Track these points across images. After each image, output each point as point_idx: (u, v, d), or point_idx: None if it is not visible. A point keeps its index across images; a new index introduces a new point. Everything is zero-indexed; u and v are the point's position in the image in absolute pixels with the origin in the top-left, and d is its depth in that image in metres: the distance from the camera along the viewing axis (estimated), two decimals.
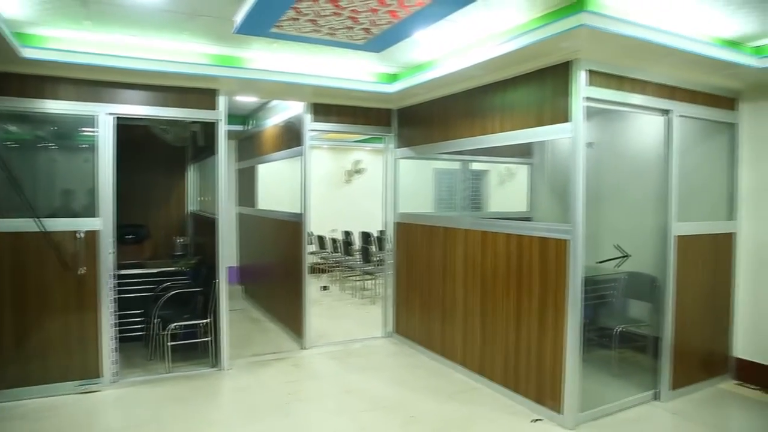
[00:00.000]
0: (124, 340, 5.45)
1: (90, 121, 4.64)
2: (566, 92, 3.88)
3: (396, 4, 3.30)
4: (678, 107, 4.43)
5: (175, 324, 5.12)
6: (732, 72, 4.45)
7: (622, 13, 3.47)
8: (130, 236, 6.81)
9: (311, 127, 5.79)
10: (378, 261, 8.52)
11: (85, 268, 4.57)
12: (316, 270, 10.45)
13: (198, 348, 5.42)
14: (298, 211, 5.92)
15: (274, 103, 6.82)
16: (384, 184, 6.37)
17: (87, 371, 4.65)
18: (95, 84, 4.61)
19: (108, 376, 4.71)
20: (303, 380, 5.01)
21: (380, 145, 6.53)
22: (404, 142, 6.09)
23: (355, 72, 5.24)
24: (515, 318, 4.43)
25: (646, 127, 5.16)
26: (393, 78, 5.37)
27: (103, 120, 4.65)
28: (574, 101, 3.82)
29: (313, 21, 3.58)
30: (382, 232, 6.55)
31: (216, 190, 5.21)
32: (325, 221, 10.65)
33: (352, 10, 3.37)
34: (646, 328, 5.00)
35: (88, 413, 4.22)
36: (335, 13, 3.44)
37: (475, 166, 7.58)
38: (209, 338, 5.27)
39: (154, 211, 7.47)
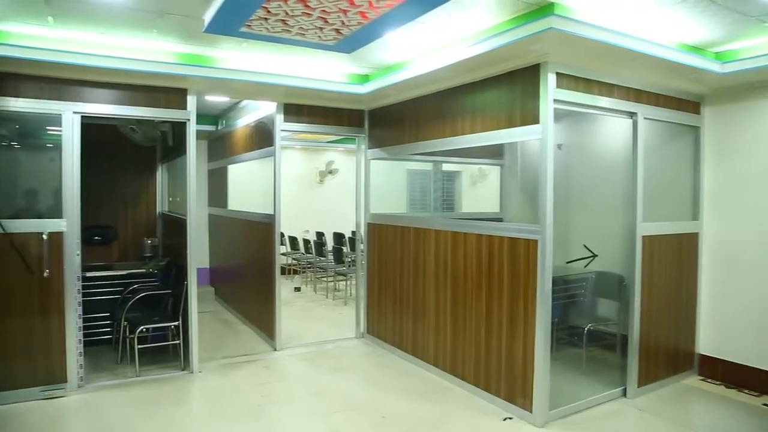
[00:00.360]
0: (91, 343, 5.36)
1: (55, 119, 4.53)
2: (535, 94, 3.93)
3: (366, 6, 3.30)
4: (644, 110, 4.53)
5: (143, 326, 5.03)
6: (696, 76, 4.56)
7: (591, 17, 3.53)
8: (98, 238, 6.69)
9: (283, 127, 5.75)
10: (350, 262, 8.52)
11: (49, 270, 4.46)
12: (288, 271, 10.40)
13: (168, 351, 5.34)
14: (270, 212, 5.87)
15: (246, 102, 6.75)
16: (356, 185, 6.36)
17: (52, 376, 4.53)
18: (60, 82, 4.50)
19: (74, 381, 4.60)
20: (274, 382, 4.97)
21: (353, 146, 6.54)
22: (376, 143, 6.10)
23: (327, 72, 5.22)
24: (486, 318, 4.47)
25: (613, 129, 5.26)
26: (365, 79, 5.37)
27: (68, 119, 4.54)
28: (543, 103, 3.87)
29: (283, 21, 3.56)
30: (354, 233, 6.55)
31: (186, 190, 5.14)
32: (297, 222, 10.61)
33: (322, 11, 3.36)
34: (614, 326, 5.10)
35: (52, 420, 4.11)
36: (305, 14, 3.42)
37: (448, 167, 7.63)
38: (179, 341, 5.19)
39: (123, 212, 7.34)
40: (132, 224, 7.38)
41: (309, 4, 3.29)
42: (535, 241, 3.96)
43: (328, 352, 5.87)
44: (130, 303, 5.23)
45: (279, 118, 5.71)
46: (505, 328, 4.28)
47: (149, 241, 6.99)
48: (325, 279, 9.53)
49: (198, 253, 5.29)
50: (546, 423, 4.02)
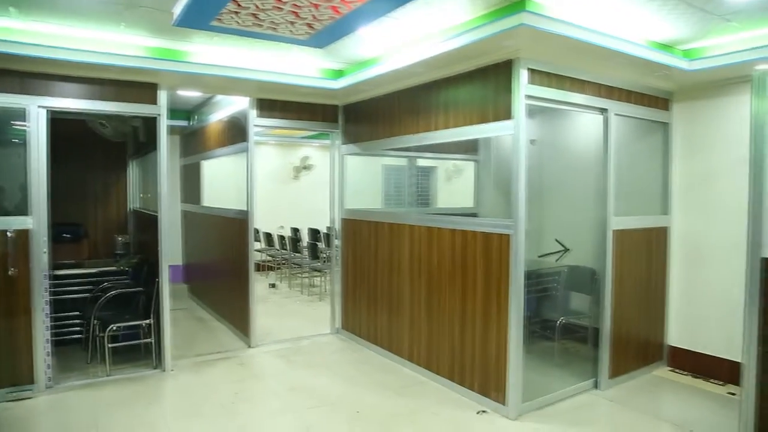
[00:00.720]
0: (61, 343, 5.25)
1: (20, 114, 4.41)
2: (508, 90, 3.95)
3: (337, 0, 3.28)
4: (615, 106, 4.59)
5: (114, 325, 4.95)
6: (665, 73, 4.63)
7: (562, 14, 3.56)
8: (67, 235, 6.54)
9: (256, 122, 5.69)
10: (326, 258, 8.49)
11: (15, 269, 4.35)
12: (263, 267, 10.33)
13: (140, 349, 5.26)
14: (244, 208, 5.82)
15: (219, 98, 6.67)
16: (331, 181, 6.34)
17: (18, 378, 4.43)
18: (25, 75, 4.38)
19: (42, 382, 4.51)
20: (248, 379, 4.93)
21: (328, 142, 6.50)
22: (350, 138, 6.08)
23: (301, 67, 5.18)
24: (460, 312, 4.49)
25: (586, 125, 5.33)
26: (338, 74, 5.34)
27: (34, 113, 4.43)
28: (516, 99, 3.90)
29: (254, 15, 3.51)
30: (330, 229, 6.53)
31: (157, 186, 5.06)
32: (272, 218, 10.54)
33: (294, 5, 3.33)
34: (587, 319, 5.17)
35: (19, 421, 4.02)
36: (276, 7, 3.39)
37: (424, 162, 7.65)
38: (151, 339, 5.12)
39: (93, 209, 7.20)
40: (103, 221, 7.24)
41: None
42: (508, 236, 3.99)
43: (303, 349, 5.84)
44: (101, 301, 5.14)
45: (252, 114, 5.66)
46: (479, 322, 4.31)
47: (120, 239, 6.87)
48: (300, 275, 9.48)
49: (170, 251, 5.23)
50: (519, 415, 4.07)
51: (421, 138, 4.90)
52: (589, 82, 4.39)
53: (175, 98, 6.37)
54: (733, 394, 4.48)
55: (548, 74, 4.09)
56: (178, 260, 8.83)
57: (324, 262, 8.51)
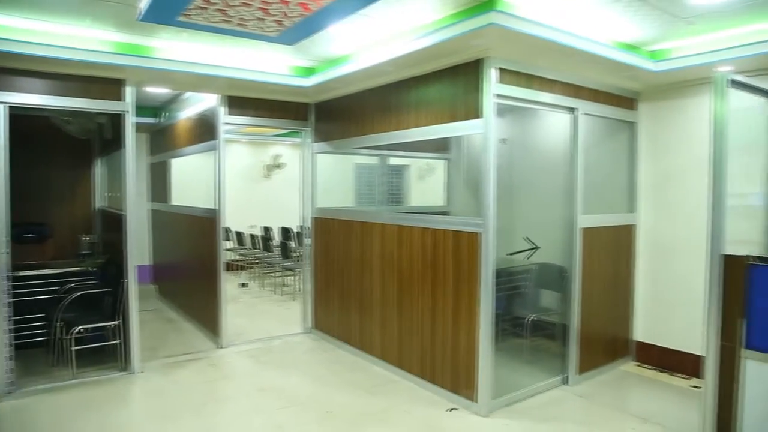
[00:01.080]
0: (24, 347, 5.09)
1: None
2: (478, 89, 3.98)
3: None
4: (583, 105, 4.65)
5: (80, 327, 4.83)
6: (631, 74, 4.72)
7: (531, 14, 3.59)
8: (30, 235, 6.38)
9: (226, 120, 5.62)
10: (298, 256, 8.44)
11: None
12: (234, 267, 10.21)
13: (107, 352, 5.14)
14: (213, 207, 5.74)
15: (189, 94, 6.57)
16: (302, 179, 6.30)
17: None
18: None
19: (3, 387, 4.38)
20: (219, 380, 4.88)
21: (300, 140, 6.45)
22: (322, 136, 6.05)
23: (271, 65, 5.13)
24: (431, 310, 4.51)
25: (555, 124, 5.39)
26: (309, 72, 5.31)
27: None
28: (485, 98, 3.92)
29: (222, 11, 3.47)
30: (302, 227, 6.49)
31: (124, 185, 4.96)
32: (244, 217, 10.43)
33: (263, 1, 3.29)
34: (556, 316, 5.24)
35: None
36: (245, 4, 3.34)
37: (396, 161, 7.65)
38: (119, 340, 5.02)
39: (58, 208, 7.02)
40: (68, 221, 7.07)
41: None
42: (478, 234, 4.02)
43: (275, 348, 5.80)
44: (65, 303, 5.01)
45: (222, 111, 5.59)
46: (449, 320, 4.33)
47: (86, 239, 6.72)
48: (272, 274, 9.41)
49: (138, 250, 5.13)
50: (490, 412, 4.10)
51: (392, 136, 4.90)
52: (557, 81, 4.44)
53: (142, 95, 6.23)
54: (697, 387, 4.59)
55: (517, 73, 4.13)
56: (147, 260, 8.68)
57: (296, 261, 8.46)
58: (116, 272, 5.15)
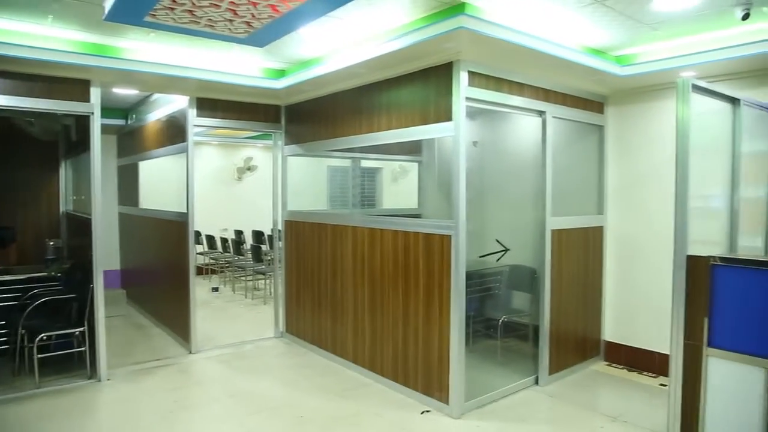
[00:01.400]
0: None
1: None
2: (448, 92, 4.00)
3: None
4: (552, 109, 4.71)
5: (44, 334, 4.70)
6: (599, 78, 4.80)
7: (501, 18, 3.63)
8: None
9: (196, 122, 5.55)
10: (270, 260, 8.37)
11: None
12: (206, 271, 10.08)
13: (73, 359, 5.02)
14: (184, 210, 5.65)
15: (157, 96, 6.46)
16: (273, 182, 6.25)
17: None
18: None
19: None
20: (189, 386, 4.80)
21: (271, 142, 6.41)
22: (293, 139, 6.01)
23: (242, 66, 5.08)
24: (403, 313, 4.51)
25: (526, 127, 5.45)
26: (280, 74, 5.27)
27: None
28: (456, 101, 3.95)
29: (190, 12, 3.41)
30: (274, 231, 6.44)
31: (91, 188, 4.85)
32: (215, 220, 10.32)
33: (231, 2, 3.25)
34: (527, 317, 5.29)
35: None
36: (213, 5, 3.30)
37: (369, 163, 7.65)
38: (85, 348, 4.90)
39: (22, 212, 6.83)
40: (32, 225, 6.88)
41: None
42: (449, 237, 4.04)
43: (246, 353, 5.73)
44: (29, 309, 4.87)
45: (192, 113, 5.51)
46: (421, 323, 4.34)
47: (52, 243, 6.54)
48: (244, 278, 9.31)
49: (106, 255, 5.03)
50: (462, 414, 4.12)
51: (364, 139, 4.89)
52: (527, 85, 4.49)
53: (110, 96, 6.14)
54: (664, 385, 4.67)
55: (488, 77, 4.17)
56: (115, 265, 8.52)
57: (268, 264, 8.38)
58: (83, 277, 5.03)
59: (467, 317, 4.18)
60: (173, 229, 6.01)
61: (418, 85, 4.31)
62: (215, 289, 9.26)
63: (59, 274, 5.71)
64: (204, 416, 4.18)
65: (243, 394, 4.59)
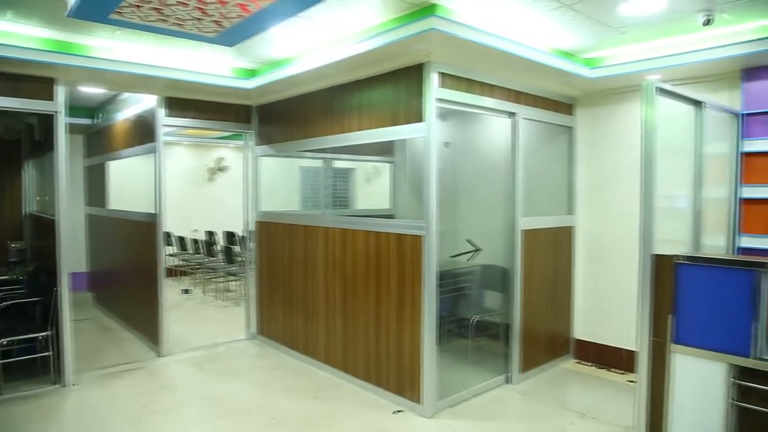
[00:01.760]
0: None
1: None
2: (420, 93, 4.01)
3: None
4: (522, 110, 4.76)
5: (6, 339, 4.57)
6: (568, 80, 4.87)
7: (471, 20, 3.66)
8: None
9: (165, 122, 5.47)
10: (242, 261, 8.28)
11: None
12: (176, 273, 9.93)
13: (38, 364, 4.89)
14: (153, 211, 5.56)
15: (126, 95, 6.34)
16: (245, 182, 6.20)
17: None
18: None
19: None
20: (158, 390, 4.72)
21: (243, 142, 6.34)
22: (265, 139, 5.96)
23: (212, 66, 5.02)
24: (375, 313, 4.51)
25: (497, 128, 5.50)
26: (252, 73, 5.23)
27: None
28: (427, 102, 3.96)
29: (157, 10, 3.36)
30: (246, 232, 6.38)
31: (56, 189, 4.74)
32: (186, 221, 10.17)
33: (199, 1, 3.21)
34: (499, 316, 5.33)
35: None
36: (181, 3, 3.25)
37: (342, 164, 7.64)
38: (50, 352, 4.78)
39: None
40: None
41: None
42: (421, 237, 4.05)
43: (218, 355, 5.67)
44: None
45: (161, 113, 5.43)
46: (393, 323, 4.35)
47: (15, 245, 6.39)
48: (215, 280, 9.20)
49: (72, 257, 4.92)
50: (435, 413, 4.13)
51: (336, 139, 4.88)
52: (498, 86, 4.53)
53: (77, 94, 6.01)
54: (632, 381, 4.75)
55: (458, 78, 4.19)
56: (82, 267, 8.33)
57: (240, 266, 8.30)
58: (48, 280, 4.91)
59: (439, 317, 4.20)
60: (142, 230, 5.91)
61: (390, 86, 4.32)
62: (186, 291, 9.13)
63: (22, 277, 5.57)
64: (174, 420, 4.12)
65: (214, 397, 4.53)
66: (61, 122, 4.69)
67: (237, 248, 8.73)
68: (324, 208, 5.48)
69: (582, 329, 5.47)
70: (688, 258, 2.99)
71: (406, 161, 6.34)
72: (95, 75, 4.75)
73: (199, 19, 3.55)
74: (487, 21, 3.76)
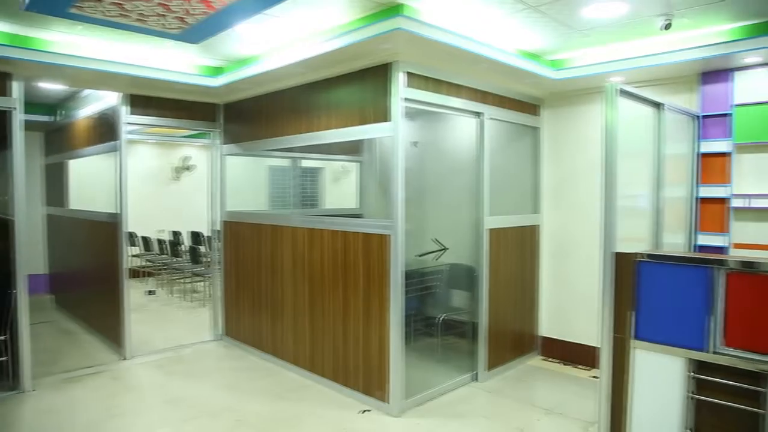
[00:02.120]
0: None
1: None
2: (386, 93, 4.02)
3: None
4: (489, 110, 4.81)
5: None
6: (533, 81, 4.94)
7: (438, 20, 3.68)
8: None
9: (129, 120, 5.35)
10: (208, 262, 8.17)
11: None
12: (141, 274, 9.74)
13: None
14: (116, 211, 5.44)
15: (88, 92, 6.19)
16: (211, 182, 6.11)
17: None
18: None
19: None
20: (121, 394, 4.62)
21: (209, 141, 6.25)
22: (231, 138, 5.89)
23: (177, 63, 4.93)
24: (342, 313, 4.50)
25: (465, 128, 5.54)
26: (218, 71, 5.15)
27: None
28: (394, 101, 3.97)
29: (119, 5, 3.28)
30: (213, 232, 6.29)
31: (12, 188, 4.59)
32: (151, 221, 9.98)
33: None
34: (466, 315, 5.38)
35: None
36: None
37: (311, 163, 7.59)
38: (6, 357, 4.63)
39: None
40: None
41: None
42: (388, 236, 4.06)
43: (184, 357, 5.58)
44: None
45: (124, 110, 5.31)
46: (361, 323, 4.34)
47: None
48: (181, 281, 9.05)
49: (30, 258, 4.77)
50: (402, 412, 4.15)
51: (304, 138, 4.85)
52: (464, 86, 4.56)
53: (35, 91, 5.85)
54: (596, 377, 4.84)
55: (425, 78, 4.21)
56: (42, 269, 8.10)
57: (206, 266, 8.18)
58: (3, 282, 4.75)
59: (407, 316, 4.22)
60: (105, 231, 5.77)
61: (357, 85, 4.31)
62: (151, 292, 8.95)
63: None
64: (137, 424, 4.03)
65: (179, 400, 4.46)
66: (17, 119, 4.54)
67: (203, 248, 8.61)
68: (292, 208, 5.45)
69: (548, 326, 5.56)
70: (648, 256, 3.07)
71: (374, 161, 6.33)
72: (54, 70, 4.63)
73: (162, 15, 3.49)
74: (454, 21, 3.78)
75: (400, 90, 3.95)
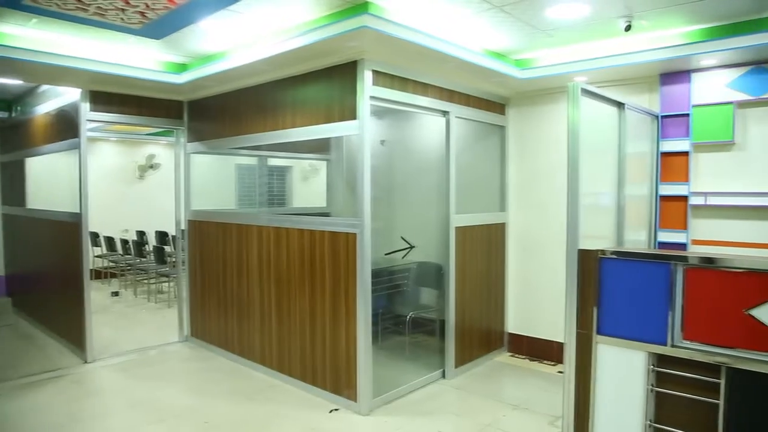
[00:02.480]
0: None
1: None
2: (353, 91, 4.00)
3: None
4: (456, 109, 4.83)
5: None
6: (500, 80, 4.98)
7: (405, 19, 3.68)
8: None
9: (89, 117, 5.21)
10: (174, 262, 8.03)
11: None
12: (105, 275, 9.52)
13: None
14: (77, 210, 5.29)
15: (46, 87, 6.00)
16: (176, 180, 6.00)
17: None
18: None
19: None
20: (83, 398, 4.50)
21: (173, 139, 6.13)
22: (196, 136, 5.79)
23: (139, 59, 4.82)
24: (310, 312, 4.48)
25: (432, 127, 5.56)
26: (182, 68, 5.06)
27: None
28: (361, 100, 3.96)
29: None
30: (178, 231, 6.17)
31: None
32: (115, 221, 9.77)
33: None
34: (434, 312, 5.41)
35: None
36: None
37: (279, 162, 7.52)
38: None
39: None
40: None
41: None
42: (355, 235, 4.04)
43: (149, 360, 5.47)
44: None
45: (84, 107, 5.17)
46: (328, 322, 4.32)
47: None
48: (146, 281, 8.87)
49: None
50: (371, 410, 4.15)
51: (270, 136, 4.80)
52: (431, 85, 4.58)
53: None
54: (562, 372, 4.93)
55: (392, 76, 4.21)
56: None
57: (172, 266, 8.03)
58: None
59: (375, 314, 4.21)
60: (65, 231, 5.61)
61: (323, 83, 4.29)
62: (115, 294, 8.75)
63: None
64: (100, 428, 3.94)
65: (144, 403, 4.37)
66: None
67: (169, 248, 8.45)
68: (259, 207, 5.39)
69: (515, 323, 5.63)
70: (611, 252, 3.12)
71: (342, 159, 6.31)
72: (8, 65, 4.46)
73: (122, 9, 3.41)
74: (421, 20, 3.79)
75: (367, 88, 3.94)
